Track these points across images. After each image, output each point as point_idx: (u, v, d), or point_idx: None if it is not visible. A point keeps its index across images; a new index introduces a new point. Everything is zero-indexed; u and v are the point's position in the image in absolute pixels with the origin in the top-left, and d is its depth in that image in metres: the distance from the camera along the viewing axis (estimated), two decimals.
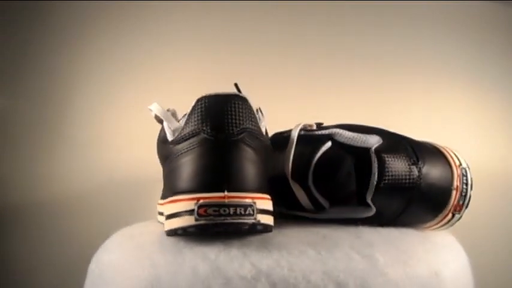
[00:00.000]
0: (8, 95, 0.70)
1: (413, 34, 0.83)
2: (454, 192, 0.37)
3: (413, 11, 0.83)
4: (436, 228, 0.39)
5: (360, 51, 0.80)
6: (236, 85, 0.44)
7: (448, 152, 0.39)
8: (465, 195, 0.37)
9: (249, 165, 0.32)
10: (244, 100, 0.34)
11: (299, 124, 0.43)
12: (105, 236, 0.40)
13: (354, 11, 0.81)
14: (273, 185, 0.35)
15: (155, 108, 0.38)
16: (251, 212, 0.31)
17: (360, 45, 0.80)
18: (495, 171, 0.81)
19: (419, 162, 0.36)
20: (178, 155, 0.33)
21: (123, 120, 0.72)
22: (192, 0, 0.76)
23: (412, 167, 0.35)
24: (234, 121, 0.33)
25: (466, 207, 0.38)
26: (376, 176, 0.34)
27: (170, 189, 0.33)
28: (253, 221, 0.31)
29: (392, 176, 0.34)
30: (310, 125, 0.44)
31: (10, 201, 0.68)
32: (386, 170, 0.34)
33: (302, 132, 0.42)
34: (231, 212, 0.30)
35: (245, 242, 0.32)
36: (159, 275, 0.29)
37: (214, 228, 0.31)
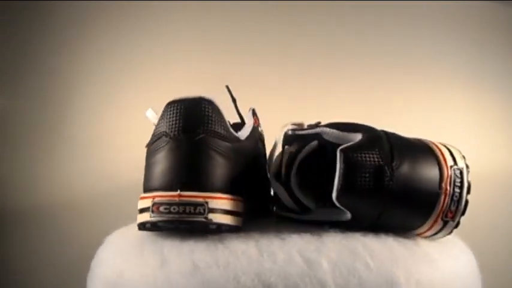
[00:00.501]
0: (8, 95, 0.69)
1: (413, 34, 0.83)
2: (442, 196, 0.33)
3: (413, 11, 0.83)
4: (430, 235, 0.35)
5: (359, 52, 0.81)
6: (227, 87, 0.45)
7: (441, 151, 0.35)
8: (458, 200, 0.33)
9: (208, 166, 0.33)
10: (210, 103, 0.35)
11: (286, 124, 0.42)
12: (105, 236, 0.41)
13: (354, 11, 0.81)
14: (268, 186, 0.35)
15: (150, 115, 0.41)
16: (201, 211, 0.32)
17: (360, 46, 0.81)
18: (495, 172, 0.81)
19: (394, 162, 0.32)
20: (148, 156, 0.36)
21: (123, 121, 0.72)
22: (191, 0, 0.76)
23: (384, 167, 0.32)
24: (196, 124, 0.34)
25: (462, 213, 0.33)
26: (341, 176, 0.32)
27: (143, 188, 0.36)
28: (203, 219, 0.31)
29: (360, 176, 0.32)
30: (301, 124, 0.42)
31: (10, 201, 0.68)
32: (353, 170, 0.32)
33: (290, 132, 0.42)
34: (181, 210, 0.31)
35: (199, 240, 0.33)
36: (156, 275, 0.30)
37: (166, 224, 0.32)
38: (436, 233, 0.34)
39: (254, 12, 0.78)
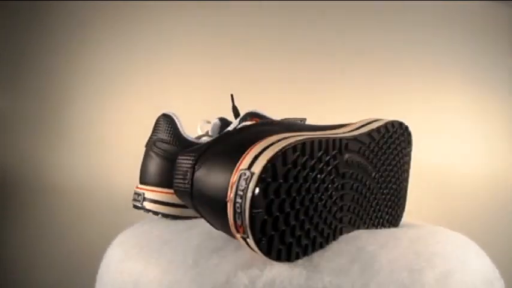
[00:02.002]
0: (7, 94, 0.69)
1: (413, 34, 0.82)
2: (228, 206, 0.27)
3: (414, 10, 0.81)
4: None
5: (360, 52, 0.79)
6: (232, 96, 0.49)
7: (255, 147, 0.27)
8: (241, 213, 0.26)
9: (147, 164, 0.44)
10: (167, 117, 0.46)
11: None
12: (106, 236, 0.42)
13: (354, 11, 0.79)
14: None
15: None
16: (139, 199, 0.44)
17: (360, 46, 0.80)
18: (495, 172, 0.80)
19: (197, 165, 0.30)
20: None
21: (123, 120, 0.73)
22: (191, 0, 0.77)
23: (189, 169, 0.31)
24: (153, 134, 0.46)
25: (252, 229, 0.26)
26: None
27: None
28: (139, 205, 0.44)
29: (176, 179, 0.33)
30: (256, 120, 0.41)
31: (10, 201, 0.69)
32: (174, 172, 0.33)
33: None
34: (133, 198, 0.45)
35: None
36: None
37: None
38: (248, 247, 0.28)
39: (254, 12, 0.77)
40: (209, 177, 0.29)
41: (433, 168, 0.76)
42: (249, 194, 0.25)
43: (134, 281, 0.31)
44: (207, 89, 0.75)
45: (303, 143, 0.28)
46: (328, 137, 0.30)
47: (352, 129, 0.36)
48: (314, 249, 0.30)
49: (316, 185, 0.29)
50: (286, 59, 0.79)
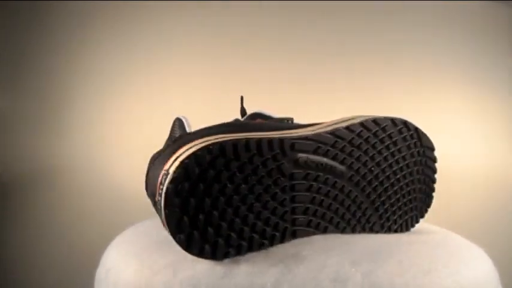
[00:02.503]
0: (7, 94, 0.68)
1: (414, 34, 0.82)
2: (157, 205, 0.29)
3: (414, 10, 0.81)
4: None
5: (360, 52, 0.79)
6: (241, 98, 0.51)
7: (181, 149, 0.29)
8: (160, 210, 0.28)
9: None
10: (178, 120, 0.50)
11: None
12: (106, 236, 0.41)
13: (355, 10, 0.79)
14: None
15: None
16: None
17: (360, 46, 0.79)
18: (495, 172, 0.80)
19: (150, 166, 0.33)
20: None
21: (123, 120, 0.72)
22: (191, 0, 0.75)
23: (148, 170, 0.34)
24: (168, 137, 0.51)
25: (168, 225, 0.28)
26: None
27: None
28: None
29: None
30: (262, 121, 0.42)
31: (10, 200, 0.68)
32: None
33: None
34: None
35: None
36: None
37: None
38: None
39: (254, 12, 0.77)
40: (149, 178, 0.32)
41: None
42: (163, 193, 0.27)
43: (132, 283, 0.31)
44: (208, 89, 0.75)
45: (221, 145, 0.28)
46: (265, 137, 0.30)
47: (315, 128, 0.34)
48: (252, 250, 0.30)
49: (248, 186, 0.29)
50: (287, 59, 0.79)
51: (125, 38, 0.73)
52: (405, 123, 0.38)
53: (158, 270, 0.30)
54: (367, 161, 0.35)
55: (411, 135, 0.38)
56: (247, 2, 0.77)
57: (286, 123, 0.36)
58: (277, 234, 0.31)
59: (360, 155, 0.35)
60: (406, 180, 0.38)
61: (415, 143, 0.38)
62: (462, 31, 0.83)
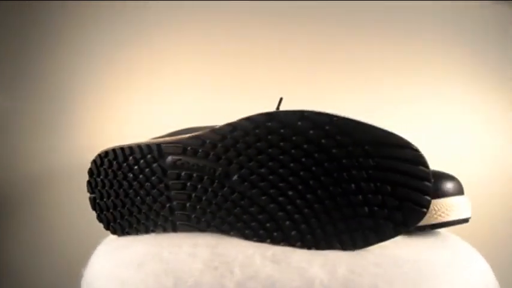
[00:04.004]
0: (6, 94, 0.69)
1: (414, 34, 0.81)
2: None
3: (414, 10, 0.81)
4: None
5: (359, 52, 0.79)
6: (280, 99, 0.52)
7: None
8: None
9: None
10: None
11: None
12: (104, 236, 0.42)
13: (355, 10, 0.79)
14: None
15: None
16: None
17: (360, 45, 0.79)
18: (495, 173, 0.79)
19: None
20: None
21: (123, 120, 0.72)
22: (192, 0, 0.75)
23: None
24: None
25: (92, 208, 0.42)
26: None
27: None
28: None
29: None
30: None
31: (10, 199, 0.69)
32: None
33: None
34: None
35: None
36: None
37: None
38: None
39: (254, 12, 0.76)
40: None
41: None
42: None
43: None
44: (208, 89, 0.76)
45: (113, 150, 0.39)
46: (141, 144, 0.38)
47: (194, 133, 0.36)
48: (146, 232, 0.39)
49: (136, 183, 0.38)
50: (288, 59, 0.78)
51: (126, 39, 0.74)
52: (302, 113, 0.32)
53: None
54: (242, 161, 0.34)
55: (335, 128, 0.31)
56: (247, 2, 0.77)
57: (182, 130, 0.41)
58: (166, 225, 0.38)
59: (232, 155, 0.34)
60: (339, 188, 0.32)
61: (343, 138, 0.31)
62: (463, 31, 0.83)
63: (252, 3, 0.77)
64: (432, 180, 0.30)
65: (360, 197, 0.31)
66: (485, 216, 0.77)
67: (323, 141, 0.31)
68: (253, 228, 0.34)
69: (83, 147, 0.71)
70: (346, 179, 0.31)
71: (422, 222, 0.32)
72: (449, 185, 0.39)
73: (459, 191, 0.40)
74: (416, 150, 0.30)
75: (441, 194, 0.38)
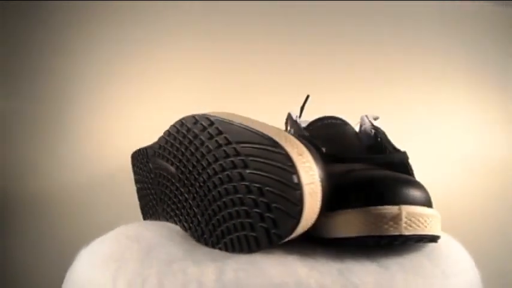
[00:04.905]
0: (7, 94, 0.69)
1: (414, 34, 0.83)
2: None
3: (414, 10, 0.82)
4: None
5: (359, 52, 0.80)
6: (308, 96, 0.50)
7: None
8: None
9: None
10: None
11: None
12: (102, 233, 0.40)
13: (355, 10, 0.80)
14: None
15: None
16: None
17: (361, 45, 0.80)
18: (494, 172, 0.82)
19: None
20: None
21: (123, 120, 0.73)
22: (191, 0, 0.74)
23: None
24: None
25: None
26: None
27: None
28: None
29: None
30: None
31: (9, 198, 0.69)
32: None
33: None
34: None
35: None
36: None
37: None
38: None
39: (255, 12, 0.77)
40: None
41: (432, 171, 0.76)
42: None
43: None
44: (208, 90, 0.75)
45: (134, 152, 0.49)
46: (146, 147, 0.46)
47: None
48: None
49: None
50: (288, 59, 0.78)
51: (127, 38, 0.74)
52: (207, 118, 0.33)
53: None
54: (185, 161, 0.36)
55: (215, 130, 0.32)
56: (248, 2, 0.76)
57: None
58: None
59: (178, 155, 0.37)
60: (222, 188, 0.32)
61: (220, 139, 0.32)
62: (463, 31, 0.84)
63: (252, 3, 0.77)
64: (303, 184, 0.26)
65: (238, 198, 0.30)
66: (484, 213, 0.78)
67: (207, 143, 0.32)
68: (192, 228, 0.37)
69: (82, 148, 0.71)
70: (226, 180, 0.30)
71: (367, 233, 0.29)
72: (414, 193, 0.30)
73: (426, 202, 0.30)
74: (283, 153, 0.26)
75: (399, 200, 0.30)
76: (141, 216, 0.51)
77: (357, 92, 0.79)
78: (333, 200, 0.29)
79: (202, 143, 0.33)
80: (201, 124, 0.33)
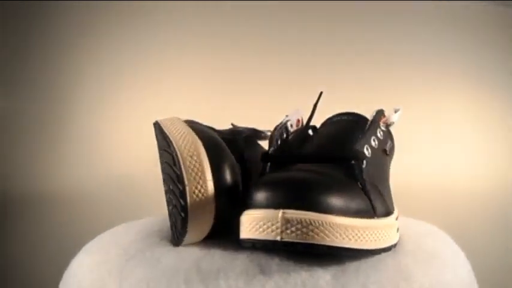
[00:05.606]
0: (7, 94, 0.68)
1: (414, 34, 0.82)
2: None
3: (414, 10, 0.81)
4: None
5: (360, 52, 0.79)
6: (321, 93, 0.49)
7: None
8: None
9: None
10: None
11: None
12: (101, 233, 0.39)
13: (355, 10, 0.79)
14: None
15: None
16: None
17: (361, 45, 0.79)
18: (494, 173, 0.81)
19: None
20: None
21: (122, 119, 0.72)
22: (192, 0, 0.74)
23: None
24: None
25: None
26: None
27: None
28: None
29: None
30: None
31: (9, 198, 0.68)
32: None
33: None
34: None
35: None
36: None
37: None
38: None
39: (255, 12, 0.76)
40: None
41: (431, 172, 0.78)
42: None
43: None
44: (209, 90, 0.76)
45: None
46: None
47: None
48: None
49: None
50: (288, 59, 0.77)
51: (127, 39, 0.74)
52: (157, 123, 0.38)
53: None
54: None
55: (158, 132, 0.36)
56: (248, 2, 0.76)
57: None
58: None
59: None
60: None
61: (160, 141, 0.36)
62: (462, 31, 0.84)
63: (252, 3, 0.77)
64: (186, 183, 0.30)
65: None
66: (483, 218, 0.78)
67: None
68: None
69: (81, 145, 0.71)
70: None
71: (249, 236, 0.27)
72: (316, 197, 0.26)
73: (333, 208, 0.26)
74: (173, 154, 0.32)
75: (284, 204, 0.26)
76: (140, 216, 0.50)
77: (357, 92, 0.79)
78: (245, 200, 0.29)
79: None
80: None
